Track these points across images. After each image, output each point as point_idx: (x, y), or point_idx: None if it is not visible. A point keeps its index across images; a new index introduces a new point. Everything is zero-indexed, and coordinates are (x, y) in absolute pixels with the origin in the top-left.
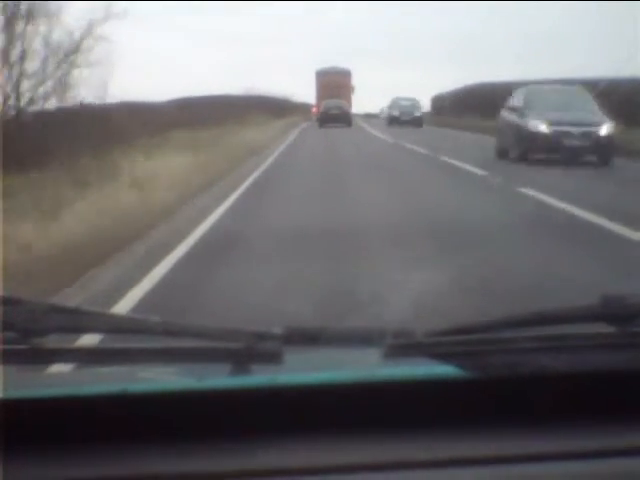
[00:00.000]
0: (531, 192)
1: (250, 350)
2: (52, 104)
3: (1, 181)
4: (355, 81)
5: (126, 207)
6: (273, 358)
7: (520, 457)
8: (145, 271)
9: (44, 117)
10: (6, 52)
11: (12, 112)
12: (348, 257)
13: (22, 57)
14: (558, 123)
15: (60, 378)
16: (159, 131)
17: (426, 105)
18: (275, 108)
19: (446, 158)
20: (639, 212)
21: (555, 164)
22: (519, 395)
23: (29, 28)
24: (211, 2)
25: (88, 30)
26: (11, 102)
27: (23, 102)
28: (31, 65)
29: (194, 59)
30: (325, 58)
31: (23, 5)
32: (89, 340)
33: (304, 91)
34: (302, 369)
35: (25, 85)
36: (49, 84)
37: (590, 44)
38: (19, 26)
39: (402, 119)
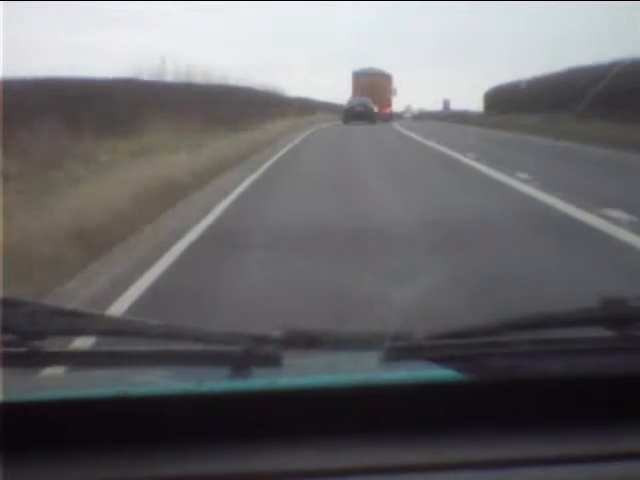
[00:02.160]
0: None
1: (249, 353)
2: None
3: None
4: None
5: None
6: (272, 361)
7: (519, 460)
8: None
9: None
10: None
11: None
12: None
13: None
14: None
15: (59, 381)
16: None
17: (469, 104)
18: (234, 109)
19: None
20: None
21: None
22: (519, 398)
23: None
24: None
25: None
26: None
27: None
28: None
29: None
30: (342, 57)
31: None
32: (89, 343)
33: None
34: (301, 372)
35: None
36: None
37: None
38: None
39: None
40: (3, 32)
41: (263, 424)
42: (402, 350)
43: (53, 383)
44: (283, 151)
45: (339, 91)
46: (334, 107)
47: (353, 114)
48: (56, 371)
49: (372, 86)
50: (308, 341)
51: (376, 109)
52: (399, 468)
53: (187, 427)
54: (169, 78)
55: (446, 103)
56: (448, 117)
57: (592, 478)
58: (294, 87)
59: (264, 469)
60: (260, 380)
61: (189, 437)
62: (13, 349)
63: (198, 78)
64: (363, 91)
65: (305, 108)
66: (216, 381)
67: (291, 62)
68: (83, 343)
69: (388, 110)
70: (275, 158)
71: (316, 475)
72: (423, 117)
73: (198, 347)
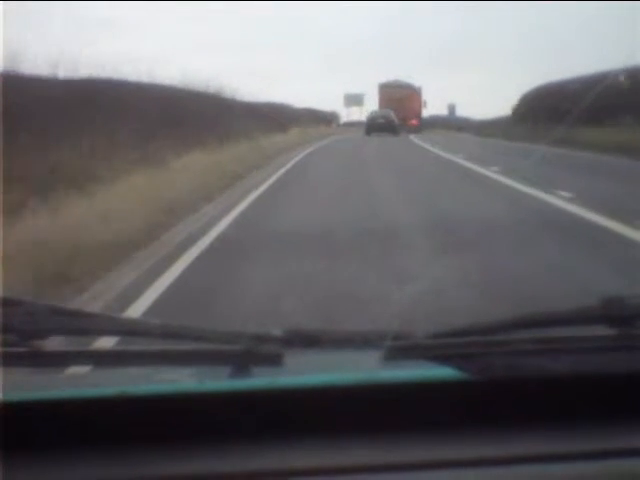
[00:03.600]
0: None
1: (250, 352)
2: None
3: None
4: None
5: None
6: (273, 360)
7: (520, 458)
8: None
9: None
10: None
11: None
12: None
13: None
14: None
15: (59, 380)
16: None
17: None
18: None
19: None
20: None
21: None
22: (519, 397)
23: None
24: None
25: None
26: None
27: None
28: None
29: None
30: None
31: None
32: (89, 342)
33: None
34: (302, 371)
35: None
36: None
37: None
38: None
39: None
40: (3, 32)
41: (264, 423)
42: (403, 349)
43: (53, 383)
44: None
45: (330, 96)
46: (320, 116)
47: (375, 126)
48: (56, 371)
49: (398, 98)
50: (309, 340)
51: (401, 121)
52: (400, 466)
53: (188, 426)
54: None
55: (451, 108)
56: (470, 126)
57: (593, 475)
58: (264, 90)
59: (265, 468)
60: (261, 379)
61: (190, 436)
62: (13, 349)
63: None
64: (388, 103)
65: (274, 120)
66: (217, 380)
67: (267, 64)
68: (83, 342)
69: (415, 122)
70: None
71: (317, 473)
72: (428, 125)
73: (199, 346)
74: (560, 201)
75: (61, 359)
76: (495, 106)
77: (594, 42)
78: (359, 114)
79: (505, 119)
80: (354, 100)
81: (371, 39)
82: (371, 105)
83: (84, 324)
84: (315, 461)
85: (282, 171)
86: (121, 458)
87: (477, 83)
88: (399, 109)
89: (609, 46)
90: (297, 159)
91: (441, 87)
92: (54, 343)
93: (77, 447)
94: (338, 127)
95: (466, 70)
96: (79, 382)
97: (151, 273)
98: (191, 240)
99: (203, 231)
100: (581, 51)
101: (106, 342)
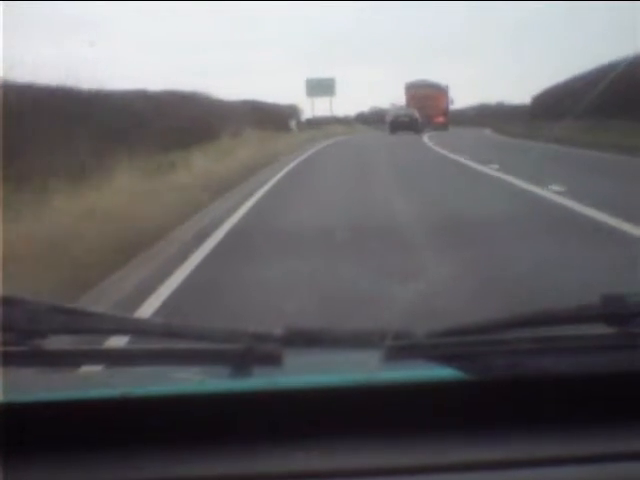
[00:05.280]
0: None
1: (250, 352)
2: None
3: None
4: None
5: None
6: (273, 360)
7: (521, 459)
8: None
9: None
10: None
11: None
12: None
13: None
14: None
15: (60, 380)
16: None
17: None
18: None
19: None
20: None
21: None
22: (519, 396)
23: None
24: None
25: None
26: None
27: None
28: None
29: None
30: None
31: None
32: (90, 341)
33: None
34: (302, 371)
35: None
36: None
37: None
38: None
39: None
40: (3, 32)
41: (264, 422)
42: (403, 349)
43: (54, 383)
44: None
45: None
46: (270, 112)
47: (398, 124)
48: (57, 370)
49: (423, 97)
50: (309, 339)
51: (428, 119)
52: (400, 468)
53: (188, 426)
54: None
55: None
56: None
57: (594, 476)
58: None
59: (264, 468)
60: (261, 379)
61: (190, 436)
62: (14, 348)
63: None
64: (415, 102)
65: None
66: (217, 379)
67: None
68: (84, 342)
69: (441, 120)
70: None
71: (316, 475)
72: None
73: (199, 345)
74: None
75: (62, 358)
76: (472, 96)
77: (586, 39)
78: (329, 108)
79: (478, 108)
80: (321, 87)
81: (352, 29)
82: (348, 97)
83: (85, 323)
84: (315, 462)
85: None
86: (121, 458)
87: (457, 74)
88: (426, 107)
89: (606, 44)
90: None
91: (424, 76)
92: (55, 342)
93: (78, 448)
94: (299, 127)
95: (448, 62)
96: (80, 382)
97: None
98: None
99: None
100: (575, 48)
101: (107, 341)
